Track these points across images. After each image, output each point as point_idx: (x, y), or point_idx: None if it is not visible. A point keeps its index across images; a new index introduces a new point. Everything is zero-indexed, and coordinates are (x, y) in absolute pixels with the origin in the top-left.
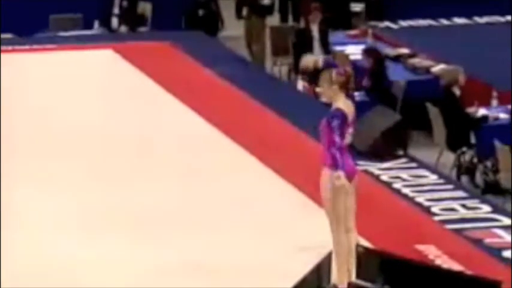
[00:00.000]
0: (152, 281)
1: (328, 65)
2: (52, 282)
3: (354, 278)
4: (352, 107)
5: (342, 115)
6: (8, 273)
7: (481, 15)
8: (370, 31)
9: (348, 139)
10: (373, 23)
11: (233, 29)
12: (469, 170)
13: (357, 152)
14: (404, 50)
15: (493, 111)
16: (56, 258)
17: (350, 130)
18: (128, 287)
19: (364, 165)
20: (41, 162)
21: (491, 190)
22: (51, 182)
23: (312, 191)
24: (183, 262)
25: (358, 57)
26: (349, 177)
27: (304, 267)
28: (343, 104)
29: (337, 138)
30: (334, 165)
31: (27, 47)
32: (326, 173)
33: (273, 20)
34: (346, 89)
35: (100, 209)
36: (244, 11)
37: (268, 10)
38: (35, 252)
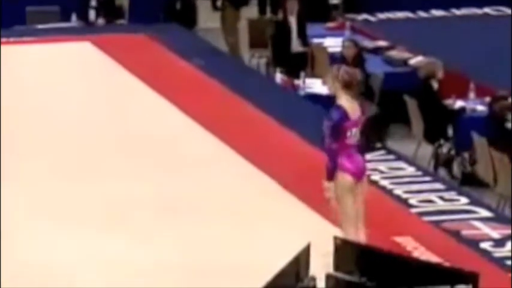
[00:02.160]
0: (140, 277)
1: None
2: (51, 283)
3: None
4: (357, 107)
5: (339, 112)
6: (7, 273)
7: (458, 7)
8: (348, 23)
9: (354, 138)
10: (350, 15)
11: (211, 22)
12: (447, 162)
13: None
14: (382, 43)
15: (470, 104)
16: (53, 258)
17: (354, 129)
18: (113, 287)
19: None
20: (21, 156)
21: (468, 182)
22: (25, 178)
23: (289, 183)
24: (165, 259)
25: (337, 49)
26: (356, 176)
27: (280, 259)
28: (345, 101)
29: (327, 139)
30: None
31: (4, 39)
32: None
33: (251, 12)
34: (350, 89)
35: (72, 202)
36: (219, 2)
37: (243, 1)
38: (32, 252)
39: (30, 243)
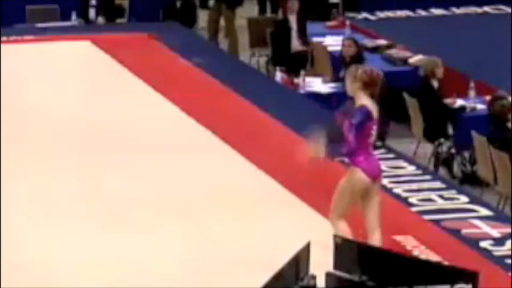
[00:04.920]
0: (140, 277)
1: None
2: (51, 282)
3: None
4: (376, 107)
5: (365, 112)
6: (7, 273)
7: (458, 6)
8: (348, 22)
9: (372, 138)
10: (350, 14)
11: None
12: (447, 161)
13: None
14: (382, 41)
15: (470, 102)
16: (54, 257)
17: (374, 128)
18: (113, 286)
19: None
20: (21, 155)
21: (468, 181)
22: (25, 177)
23: (289, 181)
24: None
25: (337, 48)
26: (373, 177)
27: (280, 257)
28: (366, 101)
29: (350, 137)
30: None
31: (4, 38)
32: (351, 170)
33: (252, 11)
34: (369, 89)
35: (73, 201)
36: (211, 2)
37: (238, 1)
38: (32, 252)
39: (30, 243)
